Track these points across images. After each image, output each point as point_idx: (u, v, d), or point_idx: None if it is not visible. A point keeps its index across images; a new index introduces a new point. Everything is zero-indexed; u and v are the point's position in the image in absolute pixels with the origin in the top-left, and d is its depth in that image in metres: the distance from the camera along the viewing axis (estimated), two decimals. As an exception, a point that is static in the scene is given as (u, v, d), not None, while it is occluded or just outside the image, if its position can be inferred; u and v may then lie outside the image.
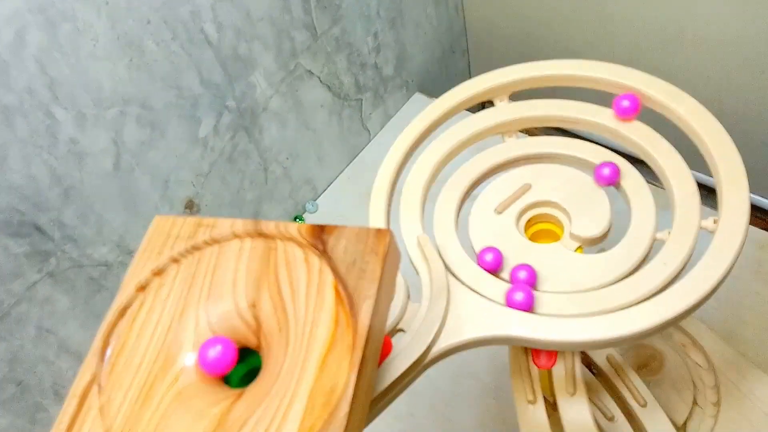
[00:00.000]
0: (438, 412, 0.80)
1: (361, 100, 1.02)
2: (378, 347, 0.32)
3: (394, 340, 0.41)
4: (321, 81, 0.93)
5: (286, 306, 0.32)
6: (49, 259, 0.70)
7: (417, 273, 0.44)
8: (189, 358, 0.31)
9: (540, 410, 0.47)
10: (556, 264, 0.44)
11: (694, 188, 0.43)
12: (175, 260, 0.35)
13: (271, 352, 0.31)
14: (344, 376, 0.29)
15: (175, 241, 0.35)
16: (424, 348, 0.38)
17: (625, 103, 0.47)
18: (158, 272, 0.34)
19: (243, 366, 0.33)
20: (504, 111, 0.50)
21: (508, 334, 0.39)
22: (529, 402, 0.48)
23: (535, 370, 0.49)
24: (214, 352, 0.30)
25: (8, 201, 0.64)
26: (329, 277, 0.32)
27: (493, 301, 0.40)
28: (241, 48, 0.79)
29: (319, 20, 0.87)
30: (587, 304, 0.40)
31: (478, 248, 0.45)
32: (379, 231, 0.32)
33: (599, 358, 0.57)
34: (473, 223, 0.47)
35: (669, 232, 0.43)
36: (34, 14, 0.58)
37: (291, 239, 0.34)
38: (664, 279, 0.40)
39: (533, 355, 0.49)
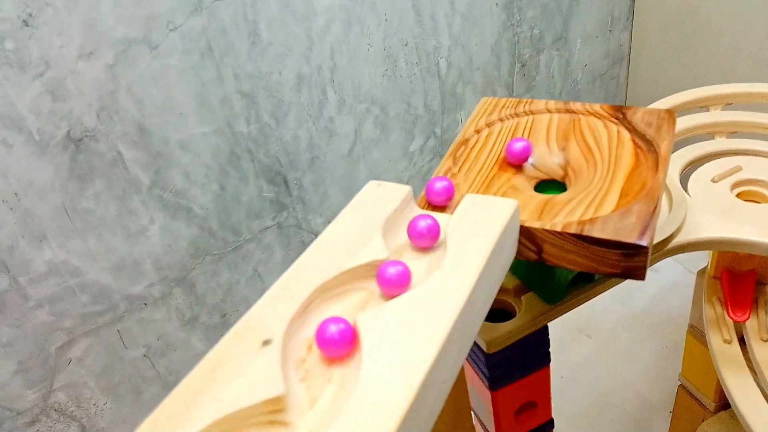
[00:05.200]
0: (581, 430, 0.84)
1: (531, 165, 1.16)
2: (660, 193, 0.42)
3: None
4: (505, 137, 1.08)
5: (592, 149, 0.43)
6: (283, 212, 0.85)
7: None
8: (525, 164, 0.43)
9: (735, 348, 0.54)
10: (768, 218, 0.52)
11: None
12: (501, 120, 0.48)
13: (579, 178, 0.43)
14: (651, 178, 0.39)
15: (501, 110, 0.48)
16: (667, 234, 0.48)
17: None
18: (489, 124, 0.47)
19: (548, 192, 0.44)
20: (721, 115, 0.62)
21: (741, 238, 0.48)
22: (726, 342, 0.55)
23: (729, 320, 0.57)
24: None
25: (276, 150, 0.80)
26: (627, 135, 0.44)
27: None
28: (458, 87, 0.96)
29: (517, 84, 1.04)
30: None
31: (696, 206, 0.55)
32: (668, 110, 0.44)
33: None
34: (692, 186, 0.57)
35: None
36: (341, 12, 0.78)
37: (593, 114, 0.46)
38: None
39: (731, 309, 0.56)
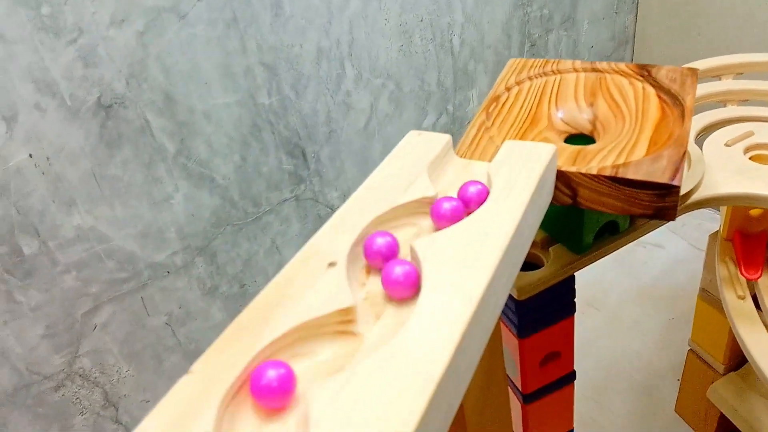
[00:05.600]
0: (590, 399, 0.86)
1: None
2: (688, 141, 0.44)
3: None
4: (514, 116, 1.10)
5: (619, 104, 0.45)
6: (301, 184, 0.86)
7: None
8: (555, 119, 0.45)
9: (749, 303, 0.56)
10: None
11: None
12: (530, 78, 0.50)
13: (608, 131, 0.45)
14: (678, 128, 0.41)
15: (529, 69, 0.50)
16: (687, 190, 0.50)
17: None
18: (518, 82, 0.49)
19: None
20: (732, 84, 0.64)
21: (756, 193, 0.50)
22: (740, 297, 0.57)
23: (742, 278, 0.59)
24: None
25: (295, 123, 0.81)
26: (652, 91, 0.46)
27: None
28: (470, 65, 0.98)
29: (526, 64, 1.06)
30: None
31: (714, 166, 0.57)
32: (690, 67, 0.46)
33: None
34: (707, 149, 0.59)
35: None
36: (361, -13, 0.79)
37: (618, 72, 0.48)
38: None
39: (743, 268, 0.59)
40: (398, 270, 0.28)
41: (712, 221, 1.11)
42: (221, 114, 0.74)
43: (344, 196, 0.92)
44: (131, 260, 0.74)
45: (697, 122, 0.63)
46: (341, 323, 0.28)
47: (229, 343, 0.27)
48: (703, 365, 0.75)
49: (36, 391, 0.74)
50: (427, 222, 0.35)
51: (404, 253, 0.32)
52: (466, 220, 0.32)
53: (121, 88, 0.66)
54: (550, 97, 0.48)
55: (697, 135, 0.63)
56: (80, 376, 0.77)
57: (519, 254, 0.34)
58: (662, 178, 0.37)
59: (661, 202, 0.37)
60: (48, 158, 0.64)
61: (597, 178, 0.38)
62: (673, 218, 0.38)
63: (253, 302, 0.29)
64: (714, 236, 0.66)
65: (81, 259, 0.71)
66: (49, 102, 0.62)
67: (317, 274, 0.30)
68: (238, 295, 0.88)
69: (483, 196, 0.32)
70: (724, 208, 0.67)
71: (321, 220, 0.91)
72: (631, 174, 0.37)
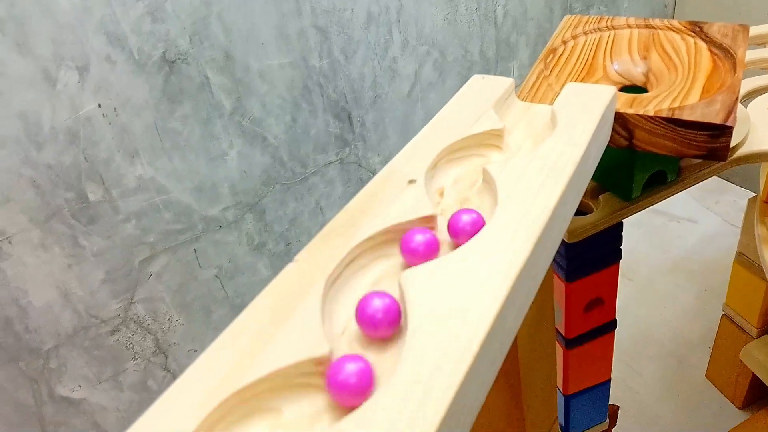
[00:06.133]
0: (624, 363, 0.88)
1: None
2: (739, 89, 0.46)
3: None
4: (552, 90, 1.12)
5: (672, 57, 0.47)
6: (345, 148, 0.89)
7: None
8: (610, 70, 0.47)
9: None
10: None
11: None
12: (585, 33, 0.52)
13: (661, 81, 0.47)
14: (730, 78, 0.43)
15: (585, 25, 0.52)
16: (733, 145, 0.52)
17: None
18: (574, 36, 0.51)
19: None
20: (776, 50, 0.66)
21: (801, 149, 0.51)
22: (779, 254, 0.59)
23: (783, 238, 0.61)
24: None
25: (343, 87, 0.84)
26: (703, 45, 0.48)
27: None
28: (512, 36, 1.00)
29: (566, 38, 1.07)
30: None
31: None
32: (741, 24, 0.48)
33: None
34: (750, 113, 0.61)
35: None
36: (411, -46, 0.81)
37: (671, 28, 0.50)
38: None
39: (783, 227, 0.60)
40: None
41: (745, 198, 1.12)
42: (275, 74, 0.77)
43: (385, 161, 0.95)
44: (187, 213, 0.78)
45: (742, 87, 0.64)
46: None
47: (325, 241, 0.30)
48: (736, 329, 0.76)
49: (94, 334, 0.78)
50: (496, 154, 0.38)
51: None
52: (537, 148, 0.34)
53: (185, 45, 0.69)
54: (605, 50, 0.50)
55: (741, 100, 0.64)
56: (134, 322, 0.81)
57: (581, 184, 0.37)
58: (716, 119, 0.39)
59: (714, 142, 0.40)
60: (115, 109, 0.68)
61: (654, 119, 0.40)
62: (724, 159, 0.40)
63: (343, 210, 0.32)
64: (753, 200, 0.68)
65: (141, 209, 0.74)
66: (119, 55, 0.66)
67: (399, 189, 0.33)
68: (283, 253, 0.91)
69: (478, 227, 0.29)
70: (764, 173, 0.68)
71: (363, 185, 0.94)
72: (687, 115, 0.40)
